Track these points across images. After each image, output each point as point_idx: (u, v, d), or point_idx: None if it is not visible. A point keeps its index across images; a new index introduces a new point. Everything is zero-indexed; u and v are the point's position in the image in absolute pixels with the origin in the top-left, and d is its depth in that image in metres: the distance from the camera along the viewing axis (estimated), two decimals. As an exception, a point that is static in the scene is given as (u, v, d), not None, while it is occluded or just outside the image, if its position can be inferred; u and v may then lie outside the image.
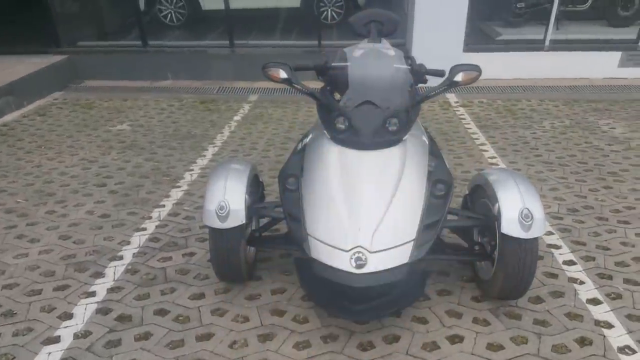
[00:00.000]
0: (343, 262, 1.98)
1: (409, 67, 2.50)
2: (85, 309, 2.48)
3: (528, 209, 2.18)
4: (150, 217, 3.34)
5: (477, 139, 4.60)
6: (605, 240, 3.01)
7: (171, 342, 2.26)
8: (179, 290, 2.61)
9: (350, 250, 1.99)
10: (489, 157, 4.19)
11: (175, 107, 5.74)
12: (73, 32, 7.10)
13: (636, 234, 3.06)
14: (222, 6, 6.57)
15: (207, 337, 2.29)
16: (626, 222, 3.19)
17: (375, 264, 1.98)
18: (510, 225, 2.17)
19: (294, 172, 2.35)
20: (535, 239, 2.20)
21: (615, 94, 5.82)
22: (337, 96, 2.38)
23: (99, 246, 3.02)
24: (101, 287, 2.64)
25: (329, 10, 7.73)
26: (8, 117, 5.54)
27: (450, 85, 2.25)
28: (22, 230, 3.21)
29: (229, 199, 2.31)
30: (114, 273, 2.76)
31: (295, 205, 2.24)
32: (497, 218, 2.23)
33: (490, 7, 7.61)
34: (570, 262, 2.80)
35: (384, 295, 2.11)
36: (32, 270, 2.79)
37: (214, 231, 2.33)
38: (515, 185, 2.27)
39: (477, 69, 2.22)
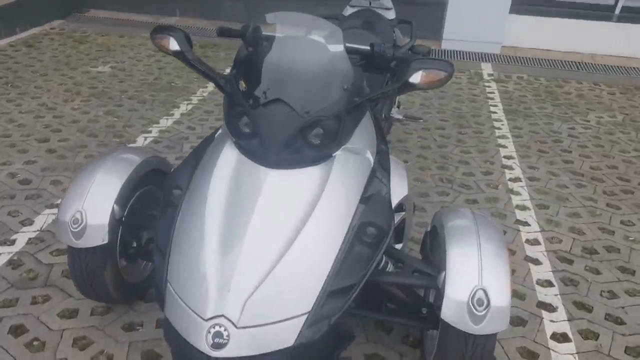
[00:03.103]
0: (197, 336, 1.36)
1: (366, 49, 1.75)
2: (-63, 311, 2.04)
3: (484, 290, 1.46)
4: (72, 191, 2.84)
5: (498, 128, 3.76)
6: (622, 308, 2.21)
7: (4, 381, 1.79)
8: (53, 301, 2.11)
9: (209, 319, 1.36)
10: (504, 157, 3.37)
11: (170, 50, 5.12)
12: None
13: (669, 300, 2.24)
14: None
15: (53, 378, 1.80)
16: (659, 278, 2.37)
17: (240, 345, 1.34)
18: (451, 311, 1.46)
19: (182, 183, 1.71)
20: (493, 335, 1.51)
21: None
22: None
23: (-1, 223, 2.57)
24: (-30, 283, 2.20)
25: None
26: (-6, 45, 5.12)
27: (404, 87, 1.50)
28: None
29: (87, 209, 1.73)
30: (-6, 264, 2.30)
31: (165, 232, 1.62)
32: (441, 290, 1.54)
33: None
34: (563, 337, 2.05)
35: None
36: None
37: (69, 248, 1.78)
38: (474, 243, 1.54)
39: (446, 67, 1.46)
